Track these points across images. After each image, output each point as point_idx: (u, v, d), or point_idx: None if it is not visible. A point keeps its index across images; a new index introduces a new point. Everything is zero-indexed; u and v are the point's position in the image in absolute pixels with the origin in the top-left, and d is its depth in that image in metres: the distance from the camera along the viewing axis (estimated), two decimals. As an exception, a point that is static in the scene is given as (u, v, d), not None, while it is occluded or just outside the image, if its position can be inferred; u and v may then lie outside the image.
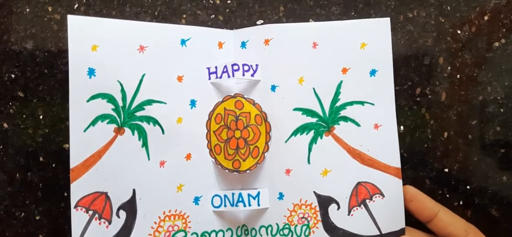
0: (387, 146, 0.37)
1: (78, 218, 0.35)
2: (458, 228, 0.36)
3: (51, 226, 0.40)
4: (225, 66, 0.37)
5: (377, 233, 0.37)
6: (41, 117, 0.40)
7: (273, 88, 0.37)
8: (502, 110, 0.40)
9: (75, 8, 0.40)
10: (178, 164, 0.37)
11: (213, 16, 0.41)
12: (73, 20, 0.34)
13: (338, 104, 0.37)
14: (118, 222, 0.36)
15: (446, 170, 0.40)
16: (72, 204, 0.35)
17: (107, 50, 0.35)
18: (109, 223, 0.35)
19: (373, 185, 0.37)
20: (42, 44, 0.40)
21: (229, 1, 0.41)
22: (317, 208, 0.37)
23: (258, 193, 0.38)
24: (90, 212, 0.35)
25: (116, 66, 0.35)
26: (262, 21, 0.41)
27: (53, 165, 0.40)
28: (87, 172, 0.35)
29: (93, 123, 0.35)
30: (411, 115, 0.40)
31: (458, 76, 0.40)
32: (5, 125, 0.40)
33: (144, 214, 0.36)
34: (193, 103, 0.37)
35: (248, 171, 0.37)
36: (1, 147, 0.40)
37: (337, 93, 0.37)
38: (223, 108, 0.38)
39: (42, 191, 0.40)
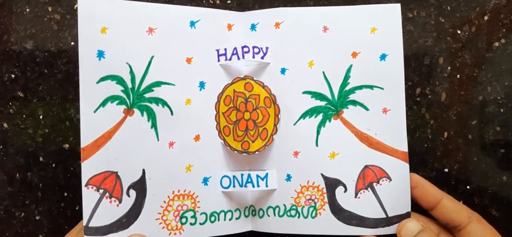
0: (395, 131, 0.37)
1: (89, 196, 0.35)
2: (462, 214, 0.36)
3: (51, 226, 0.40)
4: (235, 48, 0.37)
5: (383, 216, 0.38)
6: (41, 117, 0.40)
7: (283, 71, 0.38)
8: (502, 110, 0.40)
9: (75, 8, 0.40)
10: (187, 145, 0.37)
11: (213, 16, 0.41)
12: (83, 2, 0.35)
13: (347, 88, 0.38)
14: (129, 201, 0.36)
15: (446, 170, 0.40)
16: (83, 182, 0.35)
17: (116, 32, 0.35)
18: (120, 201, 0.36)
19: (380, 168, 0.38)
20: (42, 44, 0.40)
21: (229, 1, 0.41)
22: (324, 190, 0.38)
23: (266, 174, 0.38)
24: (101, 191, 0.35)
25: (125, 48, 0.36)
26: (262, 21, 0.41)
27: (53, 165, 0.40)
28: (97, 152, 0.35)
29: (103, 104, 0.35)
30: (411, 115, 0.40)
31: (458, 76, 0.40)
32: (5, 125, 0.40)
33: (153, 193, 0.37)
34: (202, 85, 0.38)
35: (257, 152, 0.38)
36: (1, 147, 0.40)
37: (346, 77, 0.38)
38: (232, 90, 0.38)
39: (42, 191, 0.40)
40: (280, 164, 0.39)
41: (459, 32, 0.40)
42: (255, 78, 0.38)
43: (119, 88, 0.36)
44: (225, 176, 0.39)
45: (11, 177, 0.40)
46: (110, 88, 0.35)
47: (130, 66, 0.36)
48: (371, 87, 0.37)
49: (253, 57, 0.37)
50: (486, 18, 0.40)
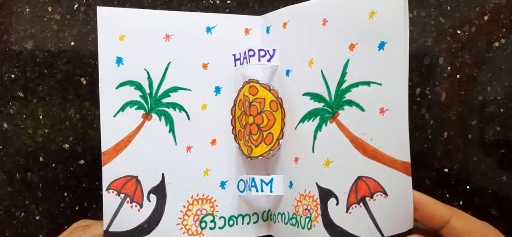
0: (394, 136, 0.31)
1: (110, 200, 0.35)
2: (475, 234, 0.31)
3: (51, 226, 0.40)
4: (245, 53, 0.37)
5: (378, 236, 0.32)
6: (41, 117, 0.40)
7: (287, 72, 0.37)
8: (502, 110, 0.40)
9: (75, 8, 0.40)
10: (204, 149, 0.38)
11: (213, 16, 0.41)
12: (102, 11, 0.35)
13: (343, 86, 0.33)
14: (149, 205, 0.36)
15: (446, 170, 0.40)
16: (104, 186, 0.35)
17: (134, 40, 0.36)
18: (141, 206, 0.36)
19: (375, 181, 0.32)
20: (42, 44, 0.40)
21: (229, 1, 0.41)
22: (318, 201, 0.35)
23: (272, 179, 0.37)
24: (122, 195, 0.35)
25: (142, 55, 0.36)
26: (262, 21, 0.41)
27: (53, 165, 0.40)
28: (118, 156, 0.35)
29: (122, 109, 0.36)
30: (411, 115, 0.40)
31: (458, 76, 0.40)
32: (5, 125, 0.40)
33: (173, 198, 0.37)
34: (217, 90, 0.38)
35: (260, 157, 0.37)
36: (1, 147, 0.40)
37: (343, 73, 0.33)
38: (242, 94, 0.38)
39: (42, 191, 0.40)
40: (285, 170, 0.38)
41: (459, 32, 0.40)
42: (263, 82, 0.37)
43: (138, 93, 0.36)
44: (241, 180, 0.38)
45: (11, 177, 0.40)
46: (129, 93, 0.36)
47: (147, 72, 0.36)
48: (367, 83, 0.32)
49: (259, 60, 0.37)
50: (486, 18, 0.40)
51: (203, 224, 0.38)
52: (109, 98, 0.35)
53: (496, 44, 0.40)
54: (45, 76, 0.40)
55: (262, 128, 0.37)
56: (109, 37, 0.35)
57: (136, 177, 0.36)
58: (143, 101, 0.36)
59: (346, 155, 0.33)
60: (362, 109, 0.33)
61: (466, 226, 0.31)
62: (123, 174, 0.36)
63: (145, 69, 0.36)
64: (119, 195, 0.35)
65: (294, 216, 0.37)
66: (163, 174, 0.36)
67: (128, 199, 0.36)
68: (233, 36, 0.38)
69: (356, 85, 0.33)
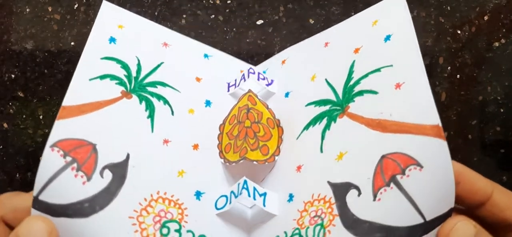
0: (416, 102, 0.27)
1: (50, 159, 0.27)
2: None
3: (51, 226, 0.40)
4: (243, 74, 0.37)
5: (420, 220, 0.25)
6: (41, 117, 0.40)
7: (287, 94, 0.36)
8: (502, 110, 0.40)
9: (75, 8, 0.40)
10: (184, 149, 0.33)
11: (213, 16, 0.41)
12: (105, 6, 0.34)
13: (351, 82, 0.31)
14: (100, 182, 0.28)
15: (446, 170, 0.40)
16: (49, 142, 0.27)
17: (131, 32, 0.34)
18: (88, 179, 0.27)
19: (404, 154, 0.26)
20: (42, 44, 0.40)
21: (229, 1, 0.41)
22: (332, 200, 0.28)
23: (265, 193, 0.32)
24: (68, 159, 0.27)
25: (137, 46, 0.34)
26: (262, 21, 0.41)
27: (53, 165, 0.40)
28: (79, 116, 0.29)
29: (101, 77, 0.31)
30: (411, 115, 0.40)
31: (458, 76, 0.40)
32: (5, 125, 0.40)
33: (134, 184, 0.29)
34: (208, 103, 0.36)
35: (255, 162, 0.32)
36: (1, 147, 0.40)
37: (350, 73, 0.31)
38: (237, 108, 0.36)
39: (42, 191, 0.40)
40: (282, 185, 0.32)
41: (459, 32, 0.40)
42: (259, 97, 0.37)
43: (123, 72, 0.32)
44: (222, 196, 0.32)
45: (11, 177, 0.40)
46: (113, 68, 0.32)
47: (138, 60, 0.34)
48: (377, 70, 0.30)
49: (258, 79, 0.37)
50: (486, 18, 0.40)
51: (164, 230, 0.29)
52: (90, 62, 0.31)
53: (496, 44, 0.40)
54: (45, 76, 0.40)
55: (259, 137, 0.34)
56: (107, 22, 0.34)
57: (94, 145, 0.28)
58: (126, 80, 0.32)
59: (363, 140, 0.28)
60: (375, 93, 0.29)
61: (509, 201, 0.26)
62: (78, 136, 0.28)
63: (136, 56, 0.34)
64: (65, 157, 0.27)
65: (297, 232, 0.29)
66: (128, 154, 0.29)
67: (75, 165, 0.27)
68: (228, 68, 0.38)
69: (365, 76, 0.30)
